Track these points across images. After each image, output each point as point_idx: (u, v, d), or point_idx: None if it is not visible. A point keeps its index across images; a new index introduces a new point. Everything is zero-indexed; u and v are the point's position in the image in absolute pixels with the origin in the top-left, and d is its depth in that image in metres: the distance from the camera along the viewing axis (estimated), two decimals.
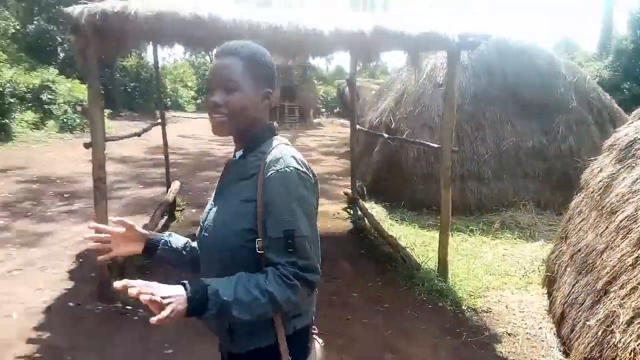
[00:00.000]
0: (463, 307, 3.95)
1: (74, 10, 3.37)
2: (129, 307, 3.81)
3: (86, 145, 3.69)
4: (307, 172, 1.23)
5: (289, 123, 20.81)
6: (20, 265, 4.70)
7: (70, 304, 3.92)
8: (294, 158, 1.22)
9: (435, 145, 4.66)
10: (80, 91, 15.59)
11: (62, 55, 22.55)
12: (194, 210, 6.88)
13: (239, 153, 1.34)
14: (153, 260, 1.27)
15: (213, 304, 1.07)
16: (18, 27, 20.57)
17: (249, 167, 1.26)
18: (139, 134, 5.48)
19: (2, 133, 12.42)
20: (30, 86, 14.45)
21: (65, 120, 14.50)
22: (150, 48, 6.14)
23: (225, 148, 14.23)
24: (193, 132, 17.16)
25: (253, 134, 1.30)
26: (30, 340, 3.34)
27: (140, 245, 1.33)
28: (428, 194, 6.63)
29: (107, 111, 15.22)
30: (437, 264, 4.41)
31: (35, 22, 21.77)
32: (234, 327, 1.26)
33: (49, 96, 14.57)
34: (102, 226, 1.30)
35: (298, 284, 1.14)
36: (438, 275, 4.29)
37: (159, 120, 6.43)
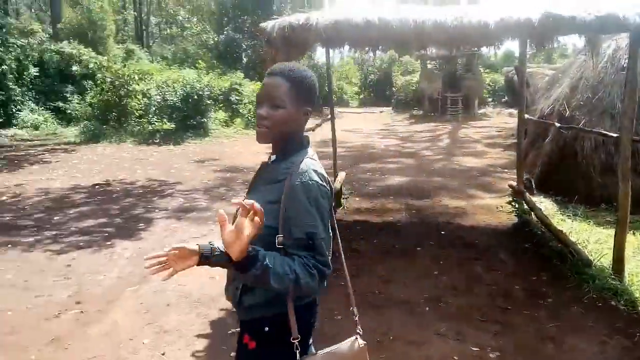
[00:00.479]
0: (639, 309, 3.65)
1: (268, 25, 4.06)
2: None
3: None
4: (326, 185, 1.47)
5: (451, 114, 20.34)
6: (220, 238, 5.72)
7: None
8: (316, 172, 1.46)
9: (614, 135, 4.32)
10: None
11: (245, 60, 25.55)
12: (357, 199, 7.40)
13: (274, 157, 1.57)
14: (210, 265, 1.42)
15: (260, 265, 1.29)
16: (215, 39, 23.92)
17: (279, 173, 1.48)
18: (313, 129, 6.14)
19: (201, 130, 14.78)
20: (222, 89, 16.83)
21: (249, 118, 16.53)
22: (319, 50, 6.79)
23: (386, 141, 14.69)
24: (356, 126, 17.98)
25: (288, 145, 1.53)
26: (221, 309, 4.12)
27: (194, 258, 1.40)
28: (607, 189, 6.06)
29: None
30: (611, 262, 4.11)
31: (224, 33, 25.01)
32: (242, 298, 1.50)
33: (237, 97, 16.77)
34: (157, 255, 1.42)
35: (316, 274, 1.37)
36: (612, 273, 4.01)
37: (329, 116, 7.07)
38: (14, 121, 15.98)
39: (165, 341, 3.37)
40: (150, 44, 29.56)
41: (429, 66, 23.07)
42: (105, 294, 4.15)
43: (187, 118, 14.61)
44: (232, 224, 1.25)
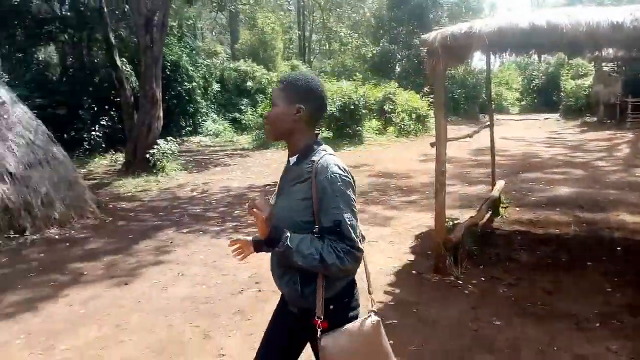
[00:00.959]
0: None
1: (429, 36, 4.25)
2: (460, 282, 4.46)
3: (432, 145, 4.53)
4: (347, 175, 1.64)
5: (632, 122, 17.84)
6: (375, 239, 6.01)
7: (413, 272, 4.85)
8: (337, 165, 1.63)
9: None
10: (415, 101, 17.71)
11: (398, 70, 25.89)
12: (517, 209, 7.08)
13: (293, 159, 1.73)
14: (264, 250, 1.81)
15: (282, 244, 1.56)
16: (373, 52, 24.74)
17: (304, 172, 1.65)
18: (470, 136, 6.10)
19: (356, 138, 15.46)
20: (376, 99, 17.36)
21: (402, 126, 16.76)
22: (476, 56, 6.69)
23: (552, 150, 13.57)
24: (517, 134, 16.92)
25: (304, 147, 1.71)
26: (385, 292, 4.38)
27: (251, 246, 1.89)
28: None
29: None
30: None
31: (380, 45, 25.68)
32: (303, 289, 1.67)
33: (390, 106, 17.14)
34: (234, 241, 1.94)
35: (344, 257, 1.55)
36: None
37: (487, 124, 6.92)
38: (199, 129, 18.63)
39: None
40: (311, 60, 31.73)
41: (605, 69, 20.56)
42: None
43: (343, 127, 15.42)
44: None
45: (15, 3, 13.85)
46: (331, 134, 15.86)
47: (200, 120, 18.68)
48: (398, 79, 22.32)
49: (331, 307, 1.67)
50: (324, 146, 1.73)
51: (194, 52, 18.40)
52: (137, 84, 13.14)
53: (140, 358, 3.38)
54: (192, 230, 6.65)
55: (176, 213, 7.70)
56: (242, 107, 19.80)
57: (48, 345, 3.58)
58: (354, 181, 1.69)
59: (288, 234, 1.57)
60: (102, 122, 13.85)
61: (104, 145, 13.68)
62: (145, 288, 4.58)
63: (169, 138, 11.56)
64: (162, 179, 10.49)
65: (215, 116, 19.68)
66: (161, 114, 11.25)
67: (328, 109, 15.30)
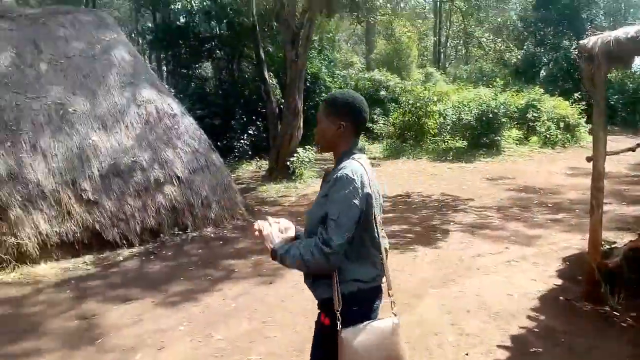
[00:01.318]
0: None
1: (589, 41, 3.93)
2: (616, 313, 4.01)
3: (588, 159, 4.16)
4: (355, 179, 1.81)
5: None
6: (516, 258, 5.68)
7: (561, 298, 4.49)
8: (350, 169, 1.84)
9: None
10: (564, 108, 16.20)
11: (543, 74, 23.90)
12: None
13: (333, 166, 1.96)
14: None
15: (276, 255, 1.93)
16: (518, 57, 23.26)
17: (333, 175, 1.88)
18: (633, 149, 5.45)
19: (494, 148, 14.66)
20: (517, 106, 16.25)
21: (547, 136, 15.47)
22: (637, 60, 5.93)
23: None
24: None
25: (341, 157, 1.95)
26: (529, 317, 4.12)
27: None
28: None
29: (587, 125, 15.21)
30: None
31: (524, 48, 23.99)
32: (315, 286, 1.94)
33: (534, 114, 15.92)
34: (259, 228, 2.06)
35: (314, 250, 1.80)
36: None
37: None
38: None
39: (468, 343, 3.67)
40: (446, 66, 30.88)
41: None
42: (412, 290, 4.75)
43: (479, 136, 14.73)
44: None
45: (181, 25, 15.88)
46: (465, 144, 15.27)
47: None
48: (543, 84, 20.62)
49: (337, 309, 1.85)
50: (358, 154, 1.95)
51: (332, 64, 19.15)
52: (281, 95, 14.12)
53: (284, 355, 3.67)
54: None
55: None
56: (375, 117, 20.06)
57: (206, 333, 4.07)
58: (362, 184, 1.84)
59: (281, 246, 1.94)
60: (249, 132, 15.15)
61: (250, 152, 14.94)
62: (288, 288, 4.95)
63: (307, 147, 12.21)
64: (299, 186, 11.12)
65: None
66: (301, 124, 11.95)
67: (463, 117, 15.07)
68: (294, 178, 11.56)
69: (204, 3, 14.54)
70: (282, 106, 12.89)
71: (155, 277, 5.60)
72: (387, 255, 2.00)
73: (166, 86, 10.44)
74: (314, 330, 2.07)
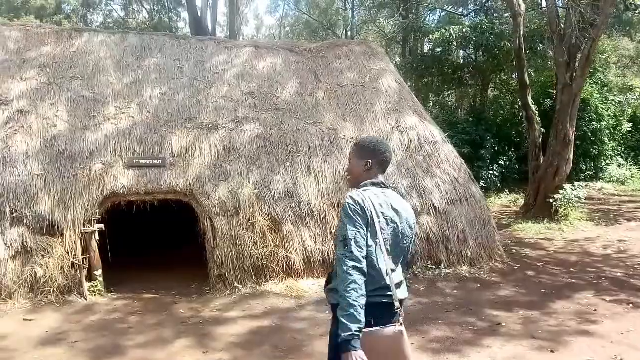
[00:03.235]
0: None
1: None
2: None
3: None
4: (355, 205, 2.18)
5: None
6: None
7: None
8: (352, 197, 2.22)
9: None
10: None
11: None
12: None
13: None
14: None
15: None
16: None
17: None
18: None
19: None
20: None
21: None
22: None
23: None
24: None
25: (360, 185, 2.37)
26: None
27: None
28: None
29: None
30: None
31: None
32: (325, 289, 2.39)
33: None
34: None
35: (340, 264, 2.13)
36: None
37: None
38: (600, 175, 16.32)
39: None
40: None
41: None
42: None
43: None
44: None
45: (437, 54, 15.83)
46: None
47: (603, 164, 16.37)
48: None
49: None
50: (368, 187, 2.31)
51: (605, 88, 16.37)
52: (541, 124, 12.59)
53: None
54: (618, 300, 5.52)
55: (591, 273, 6.64)
56: None
57: None
58: (362, 209, 2.19)
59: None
60: (499, 162, 13.96)
61: (498, 184, 13.74)
62: None
63: (576, 184, 10.44)
64: (565, 229, 9.49)
65: (621, 160, 16.86)
66: (571, 157, 10.29)
67: None
68: (557, 219, 9.97)
69: (464, 30, 14.11)
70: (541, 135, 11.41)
71: (410, 314, 5.21)
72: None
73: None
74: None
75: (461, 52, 15.85)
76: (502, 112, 15.76)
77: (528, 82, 11.65)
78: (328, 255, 6.28)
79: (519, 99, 15.45)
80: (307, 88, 7.73)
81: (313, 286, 6.04)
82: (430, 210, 6.73)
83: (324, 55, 8.34)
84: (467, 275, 6.50)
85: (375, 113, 7.48)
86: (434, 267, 6.55)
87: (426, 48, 19.81)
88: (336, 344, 2.09)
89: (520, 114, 15.06)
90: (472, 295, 5.82)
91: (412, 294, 5.84)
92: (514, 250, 7.81)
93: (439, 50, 15.90)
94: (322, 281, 6.15)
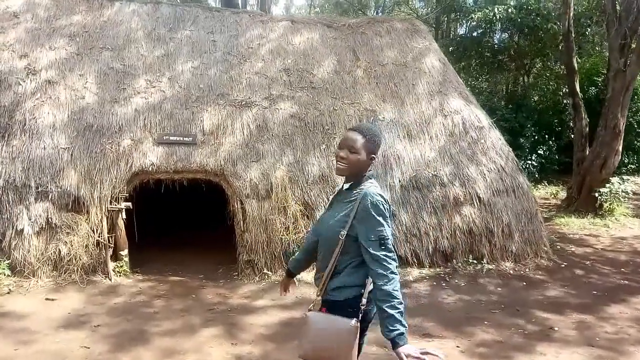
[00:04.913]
0: None
1: None
2: None
3: None
4: (385, 202, 2.17)
5: None
6: None
7: None
8: (379, 194, 2.18)
9: None
10: None
11: None
12: None
13: (346, 185, 2.28)
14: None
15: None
16: None
17: (351, 195, 2.23)
18: None
19: None
20: None
21: None
22: None
23: None
24: None
25: (358, 179, 2.25)
26: None
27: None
28: None
29: None
30: None
31: None
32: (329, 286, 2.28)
33: None
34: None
35: (386, 264, 2.09)
36: None
37: None
38: None
39: None
40: None
41: None
42: None
43: None
44: None
45: (477, 35, 15.06)
46: None
47: None
48: None
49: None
50: (371, 180, 2.28)
51: None
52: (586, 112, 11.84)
53: None
54: None
55: None
56: None
57: None
58: (389, 206, 2.21)
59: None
60: (539, 152, 13.28)
61: (537, 175, 13.08)
62: None
63: (625, 177, 9.79)
64: (611, 224, 8.91)
65: None
66: (620, 148, 9.62)
67: None
68: (601, 213, 9.38)
69: (509, 10, 13.29)
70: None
71: (452, 312, 4.88)
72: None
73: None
74: None
75: (504, 34, 14.95)
76: (543, 98, 14.96)
77: (576, 68, 10.92)
78: None
79: (562, 86, 14.65)
80: (345, 66, 7.28)
81: None
82: (474, 200, 6.28)
83: (363, 32, 7.85)
84: (511, 272, 6.06)
85: (417, 94, 7.00)
86: (475, 261, 6.13)
87: (461, 30, 18.96)
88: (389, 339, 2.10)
89: (564, 102, 14.26)
90: (518, 294, 5.40)
91: (452, 290, 5.50)
92: (558, 247, 7.30)
93: (478, 32, 15.11)
94: None
